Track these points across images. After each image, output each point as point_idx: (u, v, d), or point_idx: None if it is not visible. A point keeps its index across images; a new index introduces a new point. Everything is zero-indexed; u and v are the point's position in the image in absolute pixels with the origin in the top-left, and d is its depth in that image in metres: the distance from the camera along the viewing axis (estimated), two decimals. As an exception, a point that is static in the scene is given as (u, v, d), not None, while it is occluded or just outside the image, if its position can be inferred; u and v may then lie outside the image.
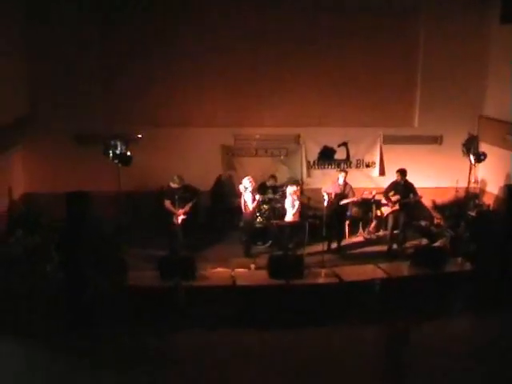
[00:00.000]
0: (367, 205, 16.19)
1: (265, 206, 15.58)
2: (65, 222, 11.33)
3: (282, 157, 16.71)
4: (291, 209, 14.41)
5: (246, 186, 14.48)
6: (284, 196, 15.00)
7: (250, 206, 14.53)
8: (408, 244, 15.06)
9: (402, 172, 14.91)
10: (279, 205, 15.49)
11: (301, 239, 14.34)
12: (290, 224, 14.75)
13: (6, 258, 12.94)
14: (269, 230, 15.22)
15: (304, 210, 15.44)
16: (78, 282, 11.02)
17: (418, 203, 15.66)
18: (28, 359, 10.23)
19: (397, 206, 14.87)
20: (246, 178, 14.63)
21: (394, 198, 14.90)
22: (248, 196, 14.51)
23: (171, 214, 14.13)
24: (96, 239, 11.32)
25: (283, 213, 14.87)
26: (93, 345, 10.69)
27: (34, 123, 15.39)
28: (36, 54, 15.32)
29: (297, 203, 14.44)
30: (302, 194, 16.15)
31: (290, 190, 14.54)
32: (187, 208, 14.27)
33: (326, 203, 14.31)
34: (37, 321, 11.40)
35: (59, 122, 15.49)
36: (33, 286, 12.33)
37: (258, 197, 14.70)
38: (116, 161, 13.19)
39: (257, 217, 15.31)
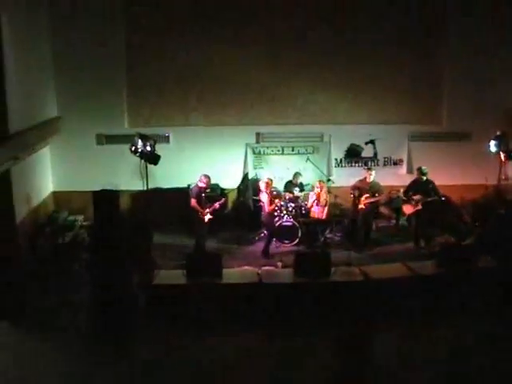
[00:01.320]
0: (395, 203, 16.07)
1: (291, 204, 15.50)
2: (92, 221, 11.40)
3: (308, 155, 16.63)
4: (318, 206, 14.40)
5: (263, 186, 14.56)
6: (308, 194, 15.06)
7: (267, 206, 14.52)
8: (435, 242, 14.86)
9: (423, 170, 14.77)
10: (306, 202, 15.49)
11: (327, 237, 14.34)
12: (317, 222, 14.82)
13: (34, 257, 13.21)
14: (296, 228, 15.14)
15: (331, 207, 15.40)
16: (104, 282, 11.03)
17: (445, 201, 15.46)
18: (56, 360, 10.35)
19: (419, 206, 14.69)
20: (264, 178, 14.76)
21: (415, 197, 14.69)
22: (265, 196, 14.52)
23: (198, 213, 14.17)
24: (122, 238, 11.32)
25: (309, 211, 14.93)
26: (118, 345, 10.78)
27: (62, 124, 15.53)
28: (62, 58, 15.50)
29: (323, 200, 14.44)
30: (328, 192, 16.03)
31: (317, 186, 14.52)
32: (215, 207, 14.34)
33: (352, 201, 14.39)
34: (64, 321, 11.57)
35: (86, 122, 15.66)
36: (60, 285, 12.73)
37: (287, 195, 14.65)
38: (144, 159, 13.20)
39: (275, 216, 15.20)
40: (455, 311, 11.52)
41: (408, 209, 15.06)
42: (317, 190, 14.87)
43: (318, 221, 14.89)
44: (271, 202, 14.56)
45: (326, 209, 14.90)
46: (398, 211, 16.07)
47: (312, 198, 14.96)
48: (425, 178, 14.74)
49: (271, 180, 14.83)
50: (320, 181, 15.28)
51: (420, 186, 14.78)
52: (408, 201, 14.88)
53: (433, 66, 16.56)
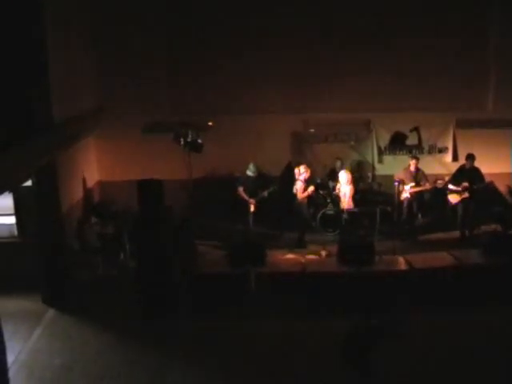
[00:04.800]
0: (441, 191, 15.72)
1: (335, 193, 15.36)
2: (137, 210, 11.55)
3: (352, 142, 16.44)
4: (344, 196, 14.33)
5: (301, 174, 14.47)
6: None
7: (300, 194, 14.40)
8: (481, 231, 14.70)
9: (472, 157, 14.52)
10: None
11: (372, 226, 14.33)
12: (360, 211, 14.72)
13: (80, 246, 13.47)
14: (339, 216, 15.01)
15: (375, 196, 15.42)
16: (150, 270, 11.20)
17: (491, 188, 15.17)
18: (103, 348, 10.56)
19: (466, 194, 14.46)
20: (303, 165, 14.60)
21: (463, 185, 14.46)
22: (298, 184, 14.41)
23: (244, 202, 14.33)
24: (168, 227, 11.44)
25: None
26: (165, 333, 10.94)
27: (106, 113, 15.59)
28: (105, 48, 15.61)
29: (348, 190, 14.31)
30: (373, 180, 16.18)
31: (343, 176, 14.41)
32: (262, 196, 14.47)
33: (397, 190, 14.20)
34: (111, 310, 11.80)
35: (130, 111, 15.67)
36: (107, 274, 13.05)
37: (311, 188, 14.54)
38: (187, 148, 13.22)
39: (308, 205, 15.08)
40: (501, 302, 11.38)
41: (454, 197, 14.81)
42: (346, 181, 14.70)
43: (363, 210, 14.76)
44: (304, 190, 14.41)
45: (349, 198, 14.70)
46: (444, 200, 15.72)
47: (347, 191, 14.73)
48: (472, 165, 14.49)
49: (305, 167, 14.65)
50: (346, 170, 15.08)
51: (466, 174, 14.53)
52: (455, 189, 14.63)
53: (479, 49, 16.14)
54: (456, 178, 14.74)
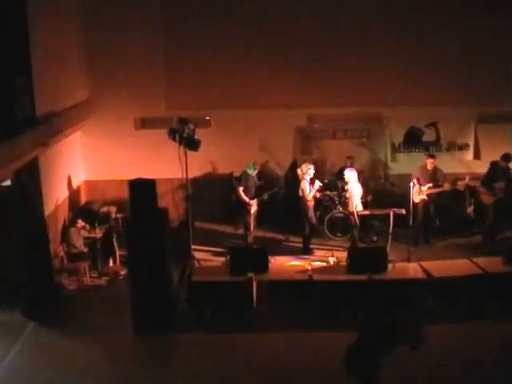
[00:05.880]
0: (460, 192, 15.08)
1: (345, 194, 14.70)
2: (128, 212, 11.50)
3: (363, 139, 15.89)
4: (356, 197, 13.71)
5: (305, 173, 13.88)
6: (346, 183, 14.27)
7: (308, 195, 13.83)
8: (505, 236, 14.06)
9: (509, 157, 13.93)
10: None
11: (384, 230, 13.70)
12: (372, 213, 14.09)
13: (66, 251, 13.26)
14: (349, 219, 14.30)
15: (388, 197, 14.94)
16: (143, 278, 10.80)
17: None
18: (90, 365, 10.06)
19: (501, 195, 13.71)
20: (305, 164, 14.07)
21: (497, 185, 13.72)
22: (305, 184, 13.83)
23: (244, 203, 13.93)
24: (162, 231, 11.07)
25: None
26: (160, 348, 10.60)
27: (94, 108, 15.23)
28: (94, 36, 15.15)
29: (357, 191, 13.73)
30: (386, 180, 15.75)
31: (349, 175, 13.76)
32: (263, 198, 14.15)
33: (412, 190, 13.66)
34: (100, 322, 11.43)
35: (121, 105, 15.29)
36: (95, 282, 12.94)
37: (317, 183, 13.90)
38: (183, 145, 12.71)
39: (316, 208, 14.51)
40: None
41: (486, 198, 14.15)
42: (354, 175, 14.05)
43: (375, 212, 14.11)
44: (310, 190, 13.88)
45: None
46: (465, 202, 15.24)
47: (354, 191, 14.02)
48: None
49: (307, 166, 14.01)
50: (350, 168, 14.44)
51: (501, 173, 13.93)
52: (488, 191, 14.00)
53: (500, 39, 15.34)
54: (489, 178, 14.09)
